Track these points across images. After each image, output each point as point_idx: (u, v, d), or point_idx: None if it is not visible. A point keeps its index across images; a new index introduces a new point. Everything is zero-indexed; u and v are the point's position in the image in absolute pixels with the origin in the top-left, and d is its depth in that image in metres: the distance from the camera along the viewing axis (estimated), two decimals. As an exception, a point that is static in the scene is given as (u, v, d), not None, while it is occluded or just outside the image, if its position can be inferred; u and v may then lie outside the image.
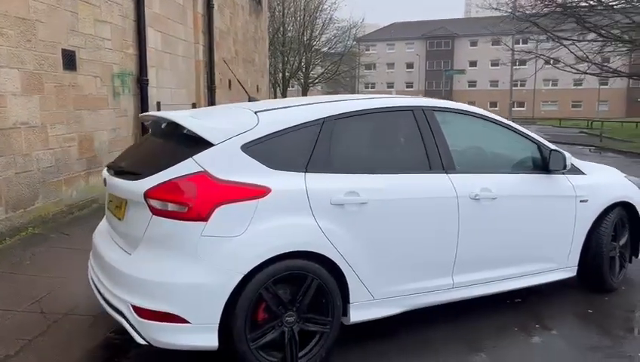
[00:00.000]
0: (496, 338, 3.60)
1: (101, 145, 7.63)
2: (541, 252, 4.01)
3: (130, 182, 3.06)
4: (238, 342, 2.88)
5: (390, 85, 72.39)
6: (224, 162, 2.96)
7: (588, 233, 4.16)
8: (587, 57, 24.29)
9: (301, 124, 3.21)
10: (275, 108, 3.34)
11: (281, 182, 3.01)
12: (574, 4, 21.36)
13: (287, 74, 45.39)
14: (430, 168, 3.52)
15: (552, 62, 24.64)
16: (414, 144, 3.55)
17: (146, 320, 2.83)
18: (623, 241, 4.43)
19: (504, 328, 3.74)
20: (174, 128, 3.34)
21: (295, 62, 45.81)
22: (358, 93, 74.17)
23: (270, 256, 2.91)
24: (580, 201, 4.07)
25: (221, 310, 2.83)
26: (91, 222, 6.73)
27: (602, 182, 4.30)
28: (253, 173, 2.98)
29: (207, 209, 2.82)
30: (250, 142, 3.05)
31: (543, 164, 3.96)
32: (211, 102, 12.96)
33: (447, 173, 3.54)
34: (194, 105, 12.03)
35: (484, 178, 3.68)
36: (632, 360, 3.29)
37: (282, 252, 2.94)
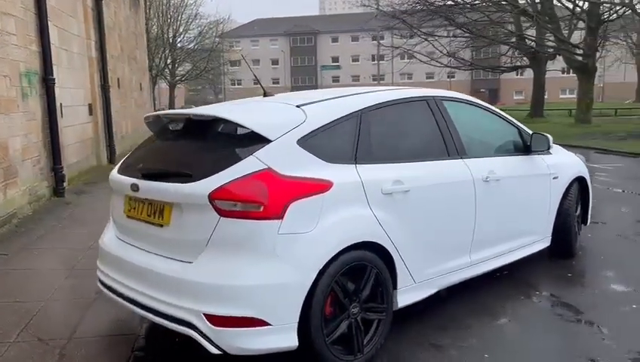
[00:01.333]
0: (509, 306, 3.93)
1: (15, 153, 6.81)
2: (530, 226, 4.45)
3: (182, 184, 2.85)
4: (315, 338, 2.84)
5: (257, 81, 72.33)
6: (284, 158, 2.89)
7: (558, 206, 4.67)
8: (448, 52, 26.55)
9: (344, 116, 3.23)
10: (314, 102, 3.31)
11: (339, 174, 3.01)
12: (442, 3, 23.12)
13: (153, 72, 43.42)
14: (448, 154, 3.73)
15: (407, 55, 26.46)
16: (433, 132, 3.73)
17: (222, 328, 2.68)
18: (578, 211, 5.05)
19: (510, 297, 4.08)
20: (204, 125, 3.17)
21: (161, 61, 43.95)
22: (224, 90, 73.35)
23: (340, 249, 2.91)
24: (553, 178, 4.57)
25: (300, 307, 2.78)
26: (19, 239, 6.04)
27: (565, 160, 4.86)
28: (311, 167, 2.95)
29: (282, 206, 2.74)
30: (304, 136, 3.01)
31: (524, 146, 4.38)
32: (106, 102, 12.08)
33: (461, 158, 3.78)
34: (90, 107, 11.14)
35: (488, 161, 3.99)
36: (635, 312, 3.81)
37: (350, 244, 2.95)
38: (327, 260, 2.85)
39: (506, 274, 4.45)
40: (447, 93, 4.07)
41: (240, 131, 2.99)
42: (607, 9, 21.74)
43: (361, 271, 3.05)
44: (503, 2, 23.44)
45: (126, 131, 14.80)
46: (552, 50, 23.99)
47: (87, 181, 9.77)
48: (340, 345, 2.99)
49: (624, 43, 41.92)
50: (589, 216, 5.25)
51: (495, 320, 3.71)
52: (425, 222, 3.43)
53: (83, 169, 10.28)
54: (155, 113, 3.58)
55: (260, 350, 2.75)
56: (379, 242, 3.12)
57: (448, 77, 56.37)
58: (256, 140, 2.90)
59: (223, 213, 2.73)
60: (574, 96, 63.70)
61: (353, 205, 3.04)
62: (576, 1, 22.74)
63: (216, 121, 3.13)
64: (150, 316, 2.97)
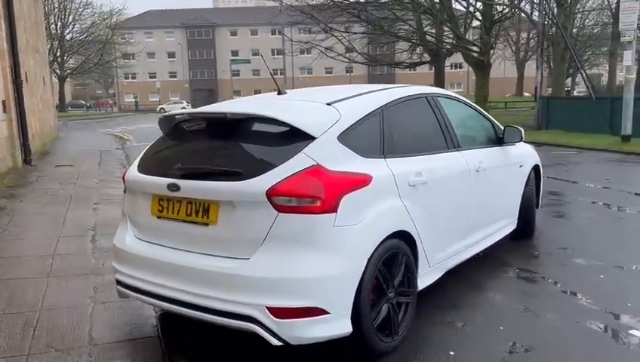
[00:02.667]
0: (499, 283, 4.37)
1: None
2: (505, 210, 4.91)
3: (235, 182, 2.88)
4: (365, 322, 3.01)
5: (152, 75, 69.88)
6: (329, 153, 3.02)
7: (523, 192, 5.19)
8: (354, 48, 27.36)
9: (370, 112, 3.42)
10: (340, 100, 3.44)
11: (374, 168, 3.19)
12: (355, 0, 23.73)
13: (41, 65, 40.36)
14: (448, 147, 4.04)
15: (307, 50, 26.87)
16: (435, 126, 4.02)
17: (285, 320, 2.77)
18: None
19: (494, 276, 4.52)
20: (240, 124, 3.21)
21: (49, 53, 40.95)
22: (118, 84, 69.82)
23: (383, 238, 3.10)
24: (519, 166, 5.07)
25: (354, 295, 2.94)
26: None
27: (525, 150, 5.38)
28: (352, 162, 3.11)
29: (336, 199, 2.87)
30: (342, 132, 3.16)
31: (497, 138, 4.81)
32: (19, 98, 11.19)
33: (457, 150, 4.11)
34: (4, 104, 10.29)
35: (476, 153, 4.35)
36: (605, 281, 4.38)
37: (390, 233, 3.16)
38: (373, 249, 3.03)
39: (482, 255, 4.87)
40: (438, 90, 4.39)
41: (280, 129, 3.07)
42: (498, 11, 23.63)
43: (395, 258, 3.26)
44: (405, 1, 24.60)
45: (35, 130, 13.80)
46: (450, 46, 25.54)
47: (10, 184, 9.07)
48: (381, 329, 3.19)
49: (506, 42, 45.62)
50: (540, 200, 5.85)
51: (491, 297, 4.11)
52: (437, 210, 3.71)
53: (2, 171, 9.51)
54: (174, 112, 3.53)
55: (318, 338, 2.87)
56: (408, 231, 3.35)
57: (347, 72, 57.90)
58: (302, 137, 3.00)
59: (280, 209, 2.81)
60: (462, 89, 68.16)
61: (389, 197, 3.24)
62: (471, 2, 24.45)
63: (253, 119, 3.18)
64: (199, 314, 2.97)
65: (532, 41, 42.50)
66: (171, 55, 71.82)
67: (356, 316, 2.97)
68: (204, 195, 3.00)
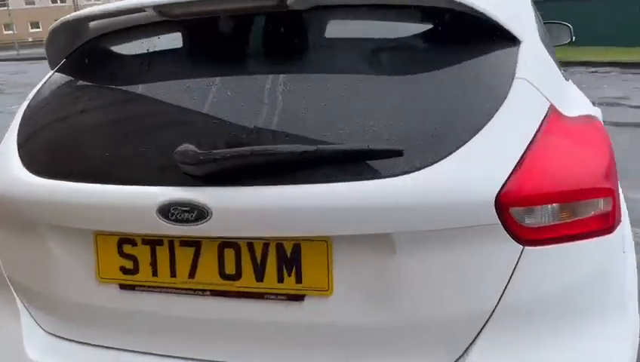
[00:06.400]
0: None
1: None
2: None
3: (393, 180, 1.02)
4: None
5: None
6: (545, 77, 1.30)
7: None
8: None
9: None
10: None
11: (586, 103, 1.64)
12: None
13: None
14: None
15: None
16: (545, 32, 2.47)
17: None
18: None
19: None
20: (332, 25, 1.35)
21: None
22: None
23: None
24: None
25: None
26: None
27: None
28: (571, 94, 1.52)
29: (615, 189, 1.20)
30: (538, 29, 1.52)
31: None
32: None
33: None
34: None
35: None
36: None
37: None
38: None
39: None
40: None
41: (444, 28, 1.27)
42: None
43: None
44: None
45: None
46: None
47: None
48: None
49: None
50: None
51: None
52: None
53: None
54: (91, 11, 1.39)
55: None
56: None
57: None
58: (498, 43, 1.22)
59: (527, 236, 1.07)
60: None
61: None
62: None
63: (362, 7, 1.31)
64: None
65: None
66: None
67: None
68: (303, 226, 1.08)
